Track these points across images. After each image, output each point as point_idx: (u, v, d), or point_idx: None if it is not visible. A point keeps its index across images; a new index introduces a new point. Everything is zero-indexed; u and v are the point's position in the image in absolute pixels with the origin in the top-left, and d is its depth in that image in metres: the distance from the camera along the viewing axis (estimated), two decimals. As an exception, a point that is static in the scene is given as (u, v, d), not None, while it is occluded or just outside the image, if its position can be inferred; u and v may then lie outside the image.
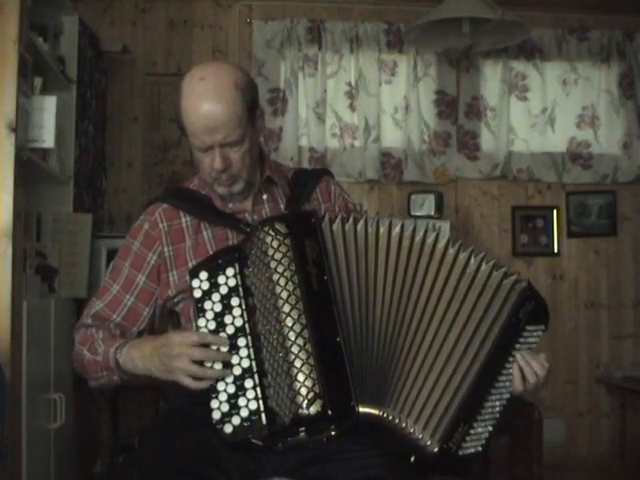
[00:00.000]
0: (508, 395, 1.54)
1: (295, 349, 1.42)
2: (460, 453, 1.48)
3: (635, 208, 4.21)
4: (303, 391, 1.40)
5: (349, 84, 4.06)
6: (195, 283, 1.52)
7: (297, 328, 1.43)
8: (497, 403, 1.53)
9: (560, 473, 3.81)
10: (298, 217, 1.58)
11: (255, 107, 1.65)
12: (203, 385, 1.47)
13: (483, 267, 1.56)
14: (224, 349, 1.47)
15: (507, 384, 1.54)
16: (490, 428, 1.52)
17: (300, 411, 1.39)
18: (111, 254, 3.11)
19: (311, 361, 1.41)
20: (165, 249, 1.69)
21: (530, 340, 1.58)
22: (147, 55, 4.01)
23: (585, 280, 4.19)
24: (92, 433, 3.48)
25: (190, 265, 1.63)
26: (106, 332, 1.67)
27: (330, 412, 1.39)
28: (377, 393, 1.46)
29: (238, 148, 1.61)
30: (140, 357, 1.57)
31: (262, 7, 4.07)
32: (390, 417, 1.46)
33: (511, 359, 1.54)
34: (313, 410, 1.39)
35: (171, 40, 4.04)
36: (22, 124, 2.46)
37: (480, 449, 1.50)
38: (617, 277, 4.20)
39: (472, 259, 1.56)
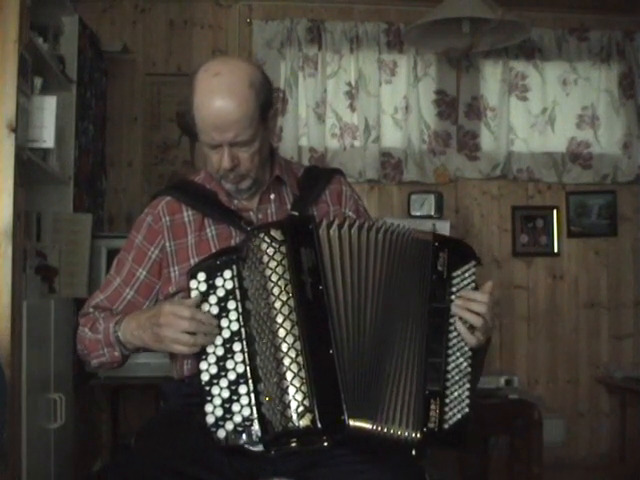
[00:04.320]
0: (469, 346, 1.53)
1: (287, 361, 1.41)
2: (446, 426, 1.45)
3: (635, 208, 4.21)
4: (293, 404, 1.39)
5: (349, 84, 4.06)
6: (193, 284, 1.51)
7: (289, 339, 1.42)
8: (461, 360, 1.51)
9: (560, 473, 3.81)
10: (295, 223, 1.54)
11: (269, 107, 1.63)
12: (193, 350, 1.47)
13: (411, 244, 1.55)
14: (223, 324, 1.48)
15: (462, 337, 1.52)
16: (467, 386, 1.49)
17: (290, 424, 1.38)
18: (111, 254, 3.12)
19: (302, 374, 1.40)
20: (167, 244, 1.68)
21: (465, 282, 1.55)
22: (147, 55, 4.01)
23: (585, 280, 4.19)
24: (92, 433, 3.48)
25: (192, 262, 1.63)
26: (107, 312, 1.68)
27: (320, 426, 1.38)
28: (369, 406, 1.44)
29: (248, 148, 1.60)
30: (136, 327, 1.56)
31: (262, 7, 4.07)
32: (383, 430, 1.43)
33: (452, 313, 1.52)
34: (303, 424, 1.38)
35: (171, 40, 4.04)
36: (22, 124, 2.46)
37: (467, 410, 1.48)
38: (617, 277, 4.20)
39: (412, 243, 1.56)
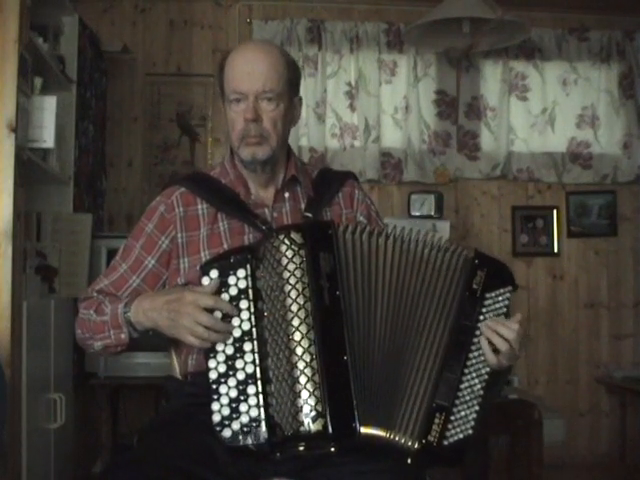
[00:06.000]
0: (488, 369, 1.50)
1: (301, 365, 1.41)
2: (445, 443, 1.45)
3: (635, 208, 4.21)
4: (306, 409, 1.39)
5: (349, 84, 4.06)
6: (205, 281, 1.49)
7: (305, 343, 1.42)
8: (476, 381, 1.49)
9: (560, 473, 3.81)
10: (315, 227, 1.55)
11: (296, 88, 1.70)
12: (205, 345, 1.46)
13: (439, 256, 1.54)
14: (234, 323, 1.46)
15: (482, 359, 1.50)
16: (476, 408, 1.48)
17: (301, 428, 1.39)
18: (111, 254, 3.11)
19: (316, 378, 1.40)
20: (179, 235, 1.67)
21: (497, 306, 1.53)
22: (147, 55, 4.01)
23: (585, 280, 4.19)
24: (92, 433, 3.49)
25: (202, 255, 1.63)
26: (112, 297, 1.66)
27: (331, 431, 1.38)
28: (380, 414, 1.44)
29: (273, 107, 1.62)
30: (150, 308, 1.54)
31: (262, 7, 4.07)
32: (389, 437, 1.44)
33: (478, 333, 1.50)
34: (314, 428, 1.38)
35: (171, 40, 4.04)
36: (22, 124, 2.46)
37: (470, 432, 1.47)
38: (617, 277, 4.20)
39: (438, 253, 1.54)
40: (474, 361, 1.50)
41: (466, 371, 1.49)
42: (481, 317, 1.52)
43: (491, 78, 4.14)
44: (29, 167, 2.55)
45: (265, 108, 1.62)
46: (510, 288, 1.55)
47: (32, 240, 2.86)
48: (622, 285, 4.20)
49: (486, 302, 1.53)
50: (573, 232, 4.20)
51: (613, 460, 4.05)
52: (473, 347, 1.50)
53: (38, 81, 2.72)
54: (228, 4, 4.06)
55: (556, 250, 4.18)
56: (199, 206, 1.69)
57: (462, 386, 1.48)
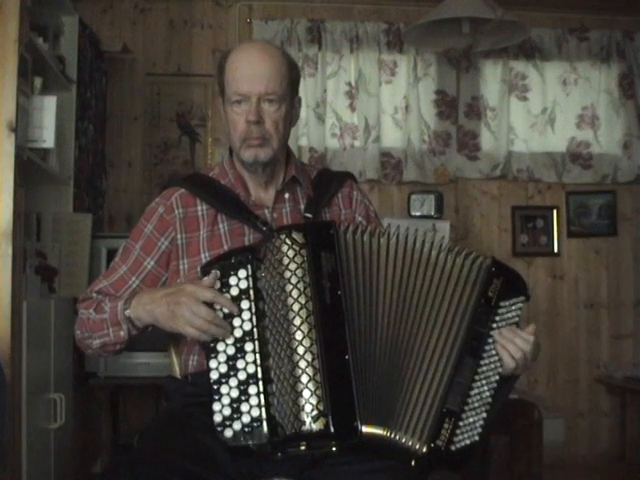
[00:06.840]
0: (497, 377, 1.51)
1: (303, 364, 1.41)
2: (452, 448, 1.45)
3: (635, 208, 4.21)
4: (307, 408, 1.39)
5: (349, 84, 4.06)
6: None
7: (306, 343, 1.42)
8: (485, 388, 1.50)
9: (560, 473, 3.81)
10: (316, 227, 1.55)
11: (296, 89, 1.70)
12: (203, 338, 1.47)
13: (449, 258, 1.54)
14: (235, 323, 1.46)
15: (492, 366, 1.51)
16: (484, 415, 1.48)
17: (303, 427, 1.39)
18: (111, 254, 3.12)
19: (318, 378, 1.40)
20: (178, 236, 1.67)
21: (509, 315, 1.54)
22: (147, 55, 4.01)
23: (585, 280, 4.19)
24: (92, 433, 3.48)
25: (202, 256, 1.63)
26: (112, 296, 1.66)
27: (333, 431, 1.38)
28: (382, 413, 1.44)
29: (275, 109, 1.62)
30: (150, 301, 1.54)
31: (262, 7, 4.07)
32: (395, 437, 1.44)
33: (490, 340, 1.51)
34: (316, 428, 1.38)
35: (171, 40, 4.04)
36: (22, 124, 2.46)
37: (477, 438, 1.47)
38: (617, 277, 4.20)
39: (448, 256, 1.54)
40: (485, 368, 1.51)
41: (476, 377, 1.49)
42: (494, 325, 1.52)
43: (491, 78, 4.14)
44: (29, 167, 2.55)
45: (267, 110, 1.62)
46: (523, 298, 1.56)
47: (32, 240, 2.86)
48: (622, 285, 4.20)
49: (500, 310, 1.54)
50: (573, 232, 4.20)
51: (613, 460, 4.05)
52: (484, 354, 1.51)
53: (38, 81, 2.72)
54: (228, 4, 4.07)
55: (556, 250, 4.18)
56: (199, 207, 1.69)
57: (472, 392, 1.49)
